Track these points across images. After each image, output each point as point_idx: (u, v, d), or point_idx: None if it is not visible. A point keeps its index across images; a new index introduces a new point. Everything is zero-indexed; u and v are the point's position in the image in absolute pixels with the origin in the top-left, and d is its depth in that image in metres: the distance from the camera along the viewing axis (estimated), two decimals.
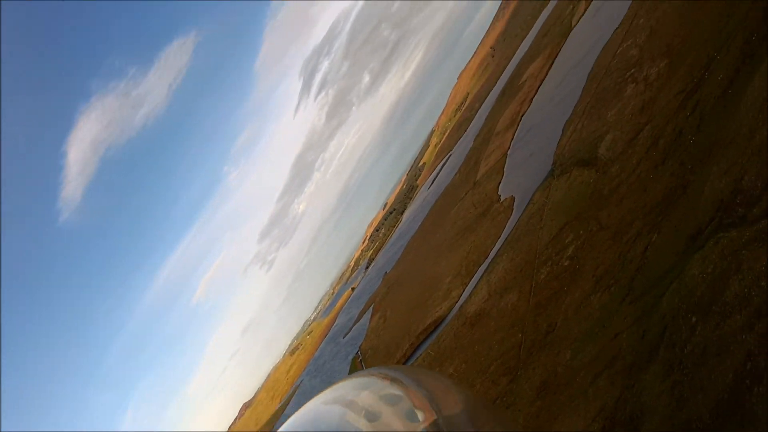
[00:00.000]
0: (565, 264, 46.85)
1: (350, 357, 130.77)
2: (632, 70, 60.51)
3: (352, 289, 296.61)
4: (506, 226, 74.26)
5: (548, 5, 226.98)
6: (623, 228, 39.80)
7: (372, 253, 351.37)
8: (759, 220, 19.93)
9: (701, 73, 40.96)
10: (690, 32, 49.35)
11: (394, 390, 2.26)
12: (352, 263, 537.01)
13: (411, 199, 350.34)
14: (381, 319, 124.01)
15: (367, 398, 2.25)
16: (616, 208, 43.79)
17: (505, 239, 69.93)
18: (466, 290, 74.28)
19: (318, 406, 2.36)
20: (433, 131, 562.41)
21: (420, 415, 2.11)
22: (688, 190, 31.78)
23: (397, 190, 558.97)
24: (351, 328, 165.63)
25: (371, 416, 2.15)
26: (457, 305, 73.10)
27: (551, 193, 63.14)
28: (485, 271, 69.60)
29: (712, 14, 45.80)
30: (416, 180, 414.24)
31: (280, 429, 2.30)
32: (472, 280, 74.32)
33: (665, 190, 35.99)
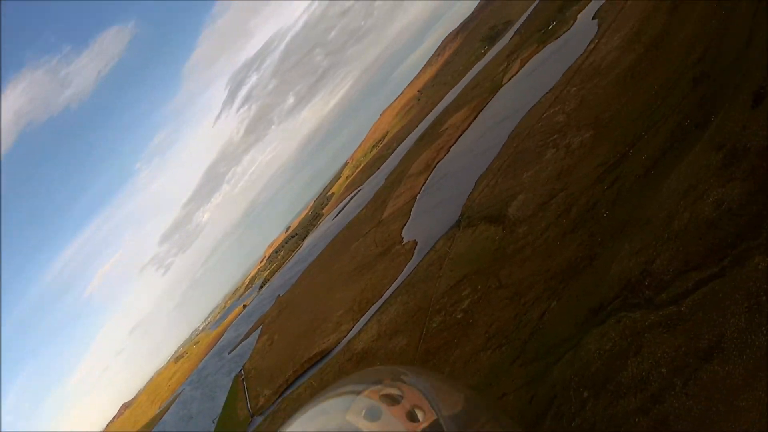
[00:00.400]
0: (459, 316, 46.59)
1: (233, 374, 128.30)
2: (555, 136, 60.83)
3: (244, 306, 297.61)
4: (405, 269, 74.40)
5: (483, 59, 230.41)
6: (523, 290, 39.61)
7: (268, 274, 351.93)
8: (666, 306, 19.54)
9: (626, 149, 41.09)
10: (621, 108, 49.71)
11: (395, 390, 2.20)
12: (247, 280, 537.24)
13: (315, 226, 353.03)
14: (268, 341, 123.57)
15: (367, 398, 2.19)
16: (518, 268, 43.65)
17: (402, 282, 69.93)
18: (356, 326, 74.05)
19: (319, 405, 2.29)
20: (346, 163, 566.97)
21: (420, 415, 2.08)
22: (594, 263, 31.59)
23: (302, 216, 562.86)
24: (237, 345, 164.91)
25: (371, 416, 2.09)
26: (345, 340, 73.01)
27: (454, 244, 63.19)
28: (378, 311, 69.58)
29: (646, 94, 46.13)
30: (322, 208, 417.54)
31: (283, 429, 2.24)
32: (364, 317, 74.12)
33: (571, 258, 35.86)
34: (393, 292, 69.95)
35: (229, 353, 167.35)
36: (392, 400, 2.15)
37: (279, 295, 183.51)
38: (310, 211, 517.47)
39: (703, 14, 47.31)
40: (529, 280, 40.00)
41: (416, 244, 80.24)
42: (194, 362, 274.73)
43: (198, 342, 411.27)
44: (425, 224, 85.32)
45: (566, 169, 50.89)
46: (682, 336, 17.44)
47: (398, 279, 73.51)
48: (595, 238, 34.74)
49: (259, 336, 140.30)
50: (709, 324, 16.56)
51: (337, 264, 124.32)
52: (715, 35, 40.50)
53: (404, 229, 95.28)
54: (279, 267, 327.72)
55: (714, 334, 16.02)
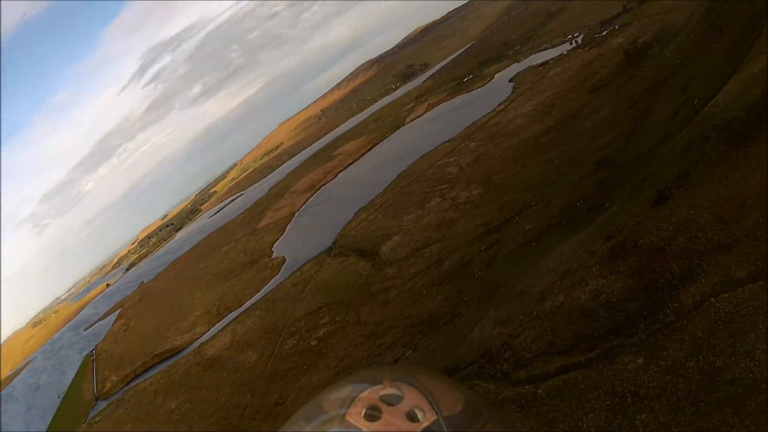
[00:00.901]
0: (313, 344, 46.16)
1: (85, 352, 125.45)
2: (444, 186, 60.69)
3: (108, 284, 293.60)
4: (269, 284, 74.47)
5: (393, 94, 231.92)
6: (380, 331, 38.97)
7: (137, 258, 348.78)
8: (523, 384, 18.76)
9: (511, 215, 40.79)
10: (516, 173, 49.63)
11: (394, 390, 2.15)
12: (116, 259, 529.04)
13: (191, 220, 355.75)
14: (124, 326, 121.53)
15: (367, 398, 2.13)
16: (380, 308, 43.06)
17: (264, 296, 70.05)
18: (210, 331, 73.96)
19: (319, 405, 2.21)
20: (235, 165, 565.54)
21: (420, 415, 2.03)
22: (456, 321, 30.98)
23: (181, 207, 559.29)
24: (94, 324, 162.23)
25: (372, 416, 2.05)
26: (198, 342, 72.74)
27: (322, 270, 62.84)
28: (234, 320, 69.43)
29: (545, 166, 46.07)
30: (202, 204, 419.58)
31: (283, 428, 2.17)
32: (220, 323, 74.18)
33: (434, 311, 35.28)
34: (252, 305, 70.21)
35: (84, 330, 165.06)
36: (392, 400, 2.08)
37: (143, 281, 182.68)
38: (189, 203, 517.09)
39: (622, 102, 47.58)
40: (389, 323, 39.38)
41: (284, 261, 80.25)
42: (51, 331, 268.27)
43: (57, 311, 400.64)
44: (298, 243, 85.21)
45: (447, 221, 50.63)
46: (535, 419, 16.68)
47: (261, 292, 73.72)
48: (462, 296, 34.18)
49: (117, 319, 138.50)
50: (566, 413, 15.80)
51: (204, 263, 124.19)
52: (629, 125, 40.57)
53: (276, 243, 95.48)
54: (149, 253, 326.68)
55: (569, 425, 15.26)
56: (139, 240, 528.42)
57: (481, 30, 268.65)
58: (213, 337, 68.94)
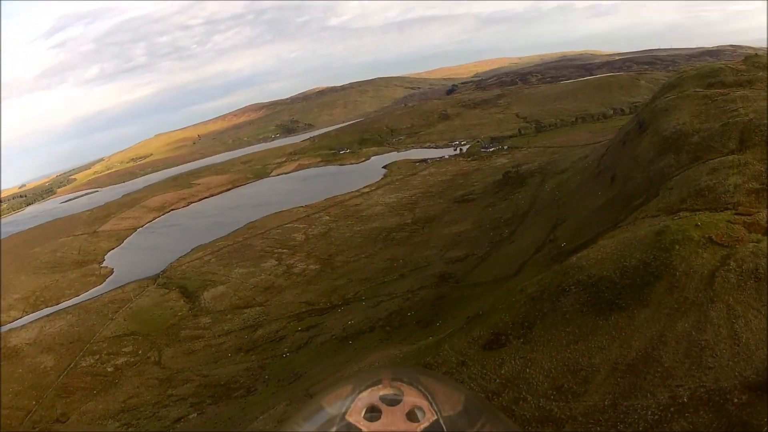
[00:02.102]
0: (109, 369, 45.73)
1: None
2: (284, 250, 60.83)
3: None
4: (89, 291, 75.85)
5: (269, 142, 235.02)
6: (176, 380, 38.51)
7: None
8: None
9: (339, 302, 40.57)
10: (357, 260, 49.56)
11: (395, 390, 2.25)
12: None
13: (44, 199, 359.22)
14: None
15: (367, 398, 2.27)
16: (182, 356, 42.61)
17: (81, 302, 71.28)
18: (23, 319, 77.29)
19: (319, 405, 2.31)
20: (102, 159, 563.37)
21: (420, 415, 2.16)
22: (249, 399, 30.39)
23: (40, 182, 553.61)
24: None
25: (371, 416, 2.18)
26: (7, 327, 75.20)
27: (142, 295, 62.67)
28: (47, 317, 72.58)
29: (388, 261, 46.19)
30: (60, 187, 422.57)
31: (284, 428, 2.24)
32: (34, 314, 77.26)
33: (232, 377, 34.84)
34: (68, 307, 71.83)
35: None
36: (392, 400, 2.19)
37: None
38: (48, 182, 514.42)
39: (486, 222, 47.80)
40: (186, 374, 38.97)
41: (111, 273, 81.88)
42: None
43: None
44: (130, 259, 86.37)
45: (275, 287, 50.60)
46: None
47: (79, 297, 75.97)
48: (264, 373, 33.74)
49: None
50: None
51: (39, 247, 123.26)
52: (486, 246, 40.48)
53: (110, 252, 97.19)
54: None
55: None
56: None
57: (374, 109, 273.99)
58: (22, 327, 72.17)
